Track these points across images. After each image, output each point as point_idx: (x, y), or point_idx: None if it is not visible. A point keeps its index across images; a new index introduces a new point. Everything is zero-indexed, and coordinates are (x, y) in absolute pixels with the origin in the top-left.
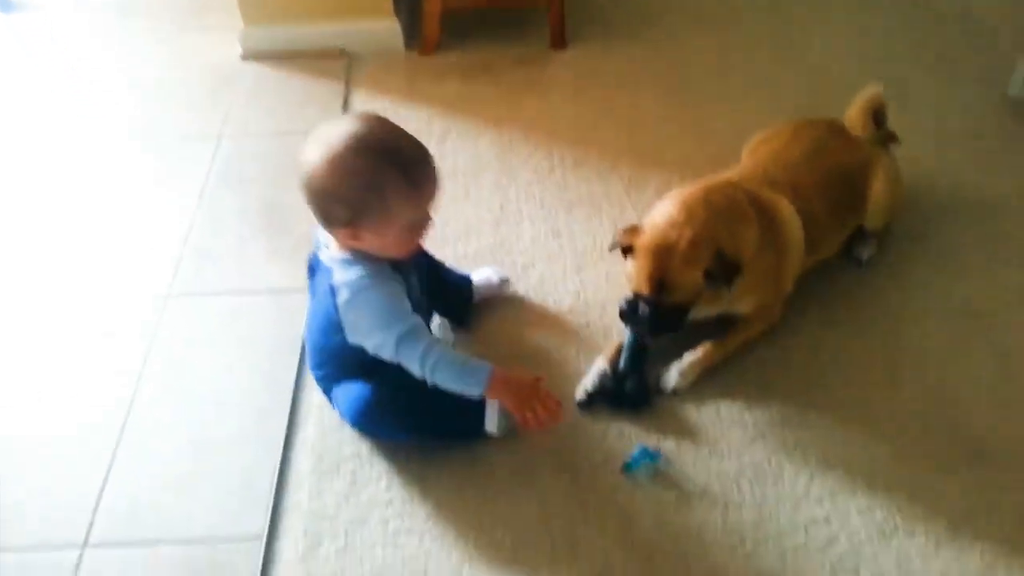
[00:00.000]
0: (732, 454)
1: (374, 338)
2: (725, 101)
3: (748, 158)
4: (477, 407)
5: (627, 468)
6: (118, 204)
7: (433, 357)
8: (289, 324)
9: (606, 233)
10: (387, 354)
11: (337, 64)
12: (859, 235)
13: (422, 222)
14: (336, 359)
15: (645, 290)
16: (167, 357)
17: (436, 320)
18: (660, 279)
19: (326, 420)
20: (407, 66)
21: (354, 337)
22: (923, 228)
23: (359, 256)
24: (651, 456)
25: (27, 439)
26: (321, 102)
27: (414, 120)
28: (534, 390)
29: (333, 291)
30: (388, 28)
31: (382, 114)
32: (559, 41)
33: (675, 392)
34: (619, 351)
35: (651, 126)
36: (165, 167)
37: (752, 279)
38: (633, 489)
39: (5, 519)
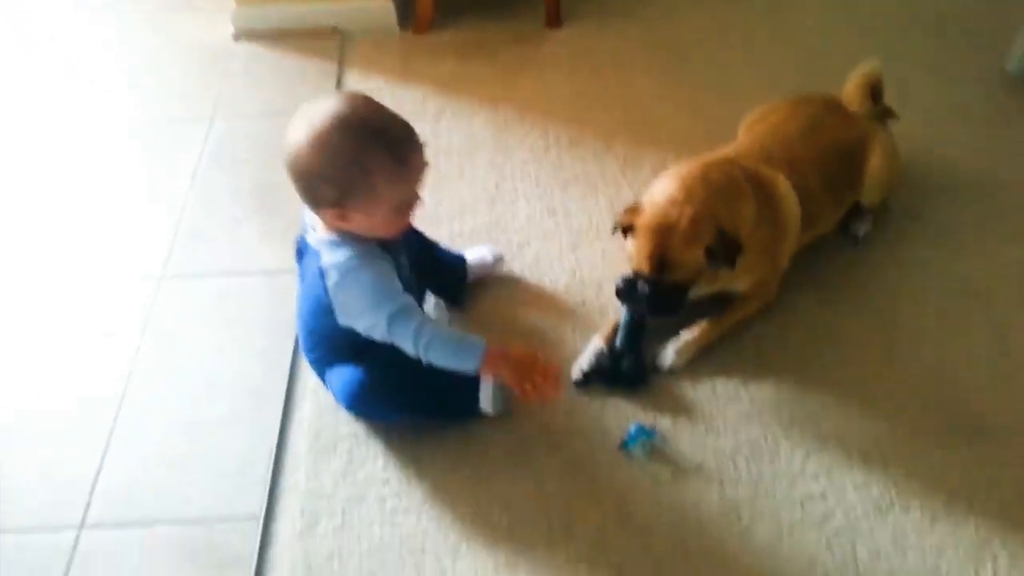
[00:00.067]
0: (728, 431)
1: (365, 319)
2: (721, 78)
3: (744, 135)
4: (471, 386)
5: (623, 446)
6: (111, 186)
7: (426, 335)
8: (283, 305)
9: (602, 212)
10: (379, 334)
11: (330, 43)
12: (855, 212)
13: (410, 201)
14: (327, 342)
15: (646, 269)
16: (162, 339)
17: (431, 300)
18: (661, 258)
19: (322, 400)
20: (401, 45)
21: (345, 319)
22: (920, 205)
23: (346, 237)
24: (647, 434)
25: (22, 422)
26: (314, 82)
27: (408, 100)
28: (532, 361)
29: (322, 273)
30: (381, 7)
31: (376, 94)
32: (554, 20)
33: (671, 370)
34: (615, 330)
35: (647, 104)
36: (158, 149)
37: (749, 256)
38: (629, 467)
39: (2, 501)
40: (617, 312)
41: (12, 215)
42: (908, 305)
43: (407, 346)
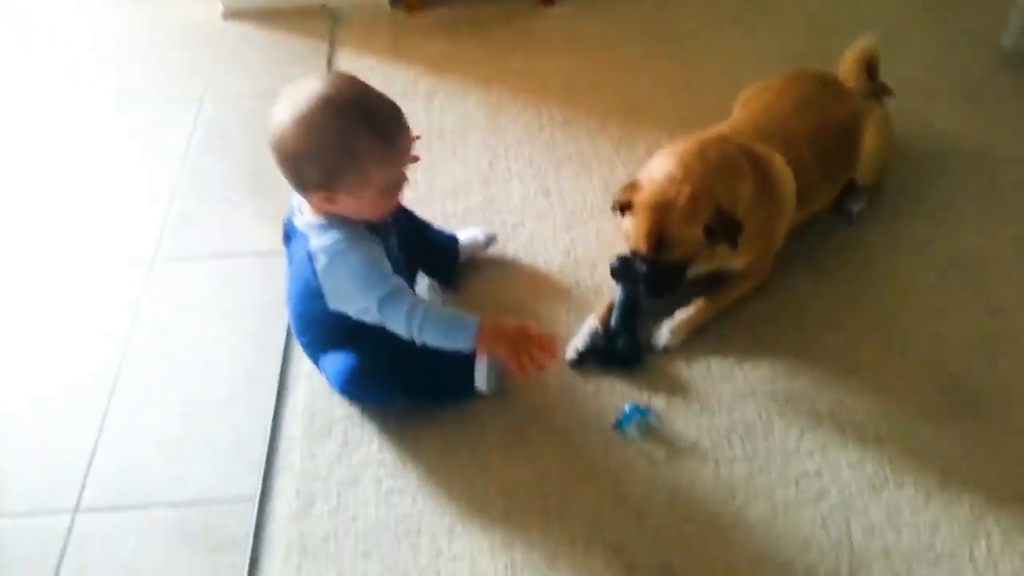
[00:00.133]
0: (723, 410)
1: (356, 302)
2: (716, 55)
3: (739, 112)
4: (466, 365)
5: (618, 425)
6: (100, 169)
7: (419, 316)
8: (276, 287)
9: (596, 191)
10: (371, 317)
11: (320, 23)
12: (850, 189)
13: (398, 182)
14: (318, 326)
15: (643, 247)
16: (154, 321)
17: (425, 282)
18: (659, 235)
19: (316, 383)
20: (392, 24)
21: (335, 303)
22: (914, 182)
23: (334, 220)
24: (642, 413)
25: (16, 406)
26: (305, 62)
27: (400, 79)
28: (526, 334)
29: (310, 257)
30: None
31: (367, 74)
32: None
33: (666, 350)
34: (610, 309)
35: (641, 83)
36: (147, 130)
37: (746, 234)
38: (624, 446)
39: None
40: (612, 292)
41: (4, 199)
42: (903, 283)
43: (399, 328)
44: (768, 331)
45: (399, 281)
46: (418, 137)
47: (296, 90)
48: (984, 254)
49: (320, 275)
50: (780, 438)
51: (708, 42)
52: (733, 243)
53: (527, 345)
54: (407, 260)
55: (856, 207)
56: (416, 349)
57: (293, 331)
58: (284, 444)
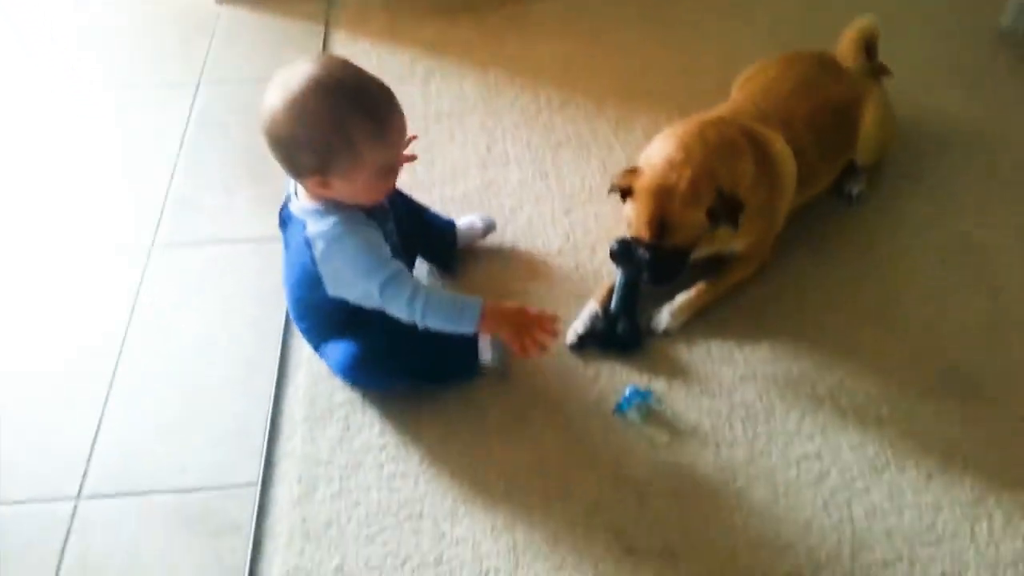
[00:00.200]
0: (723, 392)
1: (357, 288)
2: (713, 36)
3: (738, 93)
4: (467, 345)
5: (619, 409)
6: (96, 156)
7: (421, 300)
8: (275, 272)
9: (594, 174)
10: (372, 303)
11: (315, 5)
12: (850, 170)
13: (392, 165)
14: (317, 312)
15: (646, 234)
16: (153, 308)
17: (423, 267)
18: (661, 221)
19: (316, 368)
20: (387, 7)
21: (335, 289)
22: (913, 163)
23: (330, 205)
24: (643, 396)
25: (17, 394)
26: (300, 45)
27: (396, 63)
28: (529, 316)
29: (308, 243)
30: None
31: (363, 57)
32: None
33: (666, 333)
34: (610, 293)
35: (638, 64)
36: (143, 117)
37: (746, 215)
38: (625, 429)
39: None
40: (612, 275)
41: (2, 187)
42: (903, 264)
43: (401, 313)
44: (768, 313)
45: (399, 265)
46: (414, 137)
47: (286, 74)
48: (985, 235)
49: (319, 261)
50: (781, 420)
51: (705, 24)
52: (734, 223)
53: (530, 326)
54: (404, 245)
55: (856, 188)
56: (417, 332)
57: (291, 317)
58: (285, 429)
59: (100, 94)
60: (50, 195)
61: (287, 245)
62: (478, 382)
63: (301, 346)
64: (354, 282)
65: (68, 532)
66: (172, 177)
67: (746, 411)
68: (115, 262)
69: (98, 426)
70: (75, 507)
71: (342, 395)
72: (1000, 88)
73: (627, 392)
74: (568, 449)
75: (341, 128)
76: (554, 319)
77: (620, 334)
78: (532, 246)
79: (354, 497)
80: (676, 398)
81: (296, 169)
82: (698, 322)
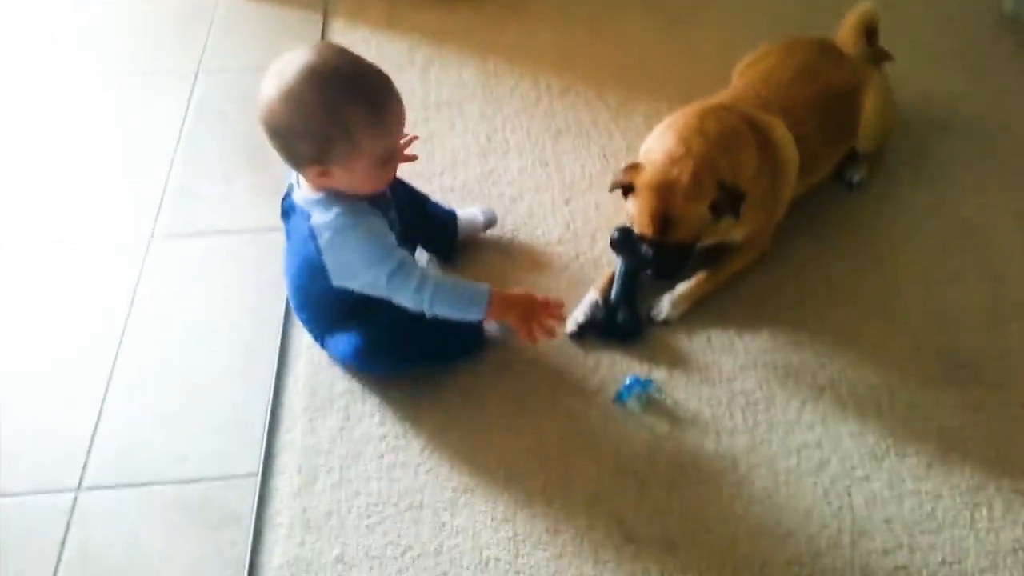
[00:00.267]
0: (724, 381)
1: (363, 277)
2: (713, 23)
3: (738, 80)
4: (472, 324)
5: (619, 398)
6: (95, 146)
7: (429, 288)
8: (274, 262)
9: (595, 162)
10: (378, 292)
11: None
12: (851, 157)
13: (391, 153)
14: (319, 302)
15: (649, 230)
16: (153, 299)
17: (424, 257)
18: (664, 216)
19: (316, 358)
20: None
21: (340, 279)
22: (914, 149)
23: (333, 195)
24: (643, 385)
25: (17, 385)
26: (298, 34)
27: (395, 51)
28: (535, 303)
29: (313, 233)
30: None
31: (361, 45)
32: None
33: (666, 322)
34: (610, 281)
35: (638, 51)
36: (142, 107)
37: (748, 204)
38: (625, 418)
39: None
40: (612, 264)
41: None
42: (904, 251)
43: (408, 302)
44: (769, 302)
45: (405, 254)
46: (415, 137)
47: (282, 63)
48: (986, 222)
49: (324, 251)
50: (781, 409)
51: (705, 10)
52: (737, 214)
53: (537, 312)
54: (405, 235)
55: (857, 175)
56: (419, 318)
57: (292, 306)
58: (286, 419)
59: (98, 84)
60: (49, 185)
61: (289, 235)
62: (478, 371)
63: (301, 336)
64: (361, 271)
65: (68, 523)
66: (171, 166)
67: (746, 400)
68: (114, 252)
69: (98, 417)
70: (75, 498)
71: (342, 385)
72: (1002, 74)
73: (627, 381)
74: (568, 438)
75: (338, 117)
76: (560, 304)
77: (620, 323)
78: (532, 235)
79: (354, 487)
80: (676, 387)
81: (295, 159)
82: (698, 311)
